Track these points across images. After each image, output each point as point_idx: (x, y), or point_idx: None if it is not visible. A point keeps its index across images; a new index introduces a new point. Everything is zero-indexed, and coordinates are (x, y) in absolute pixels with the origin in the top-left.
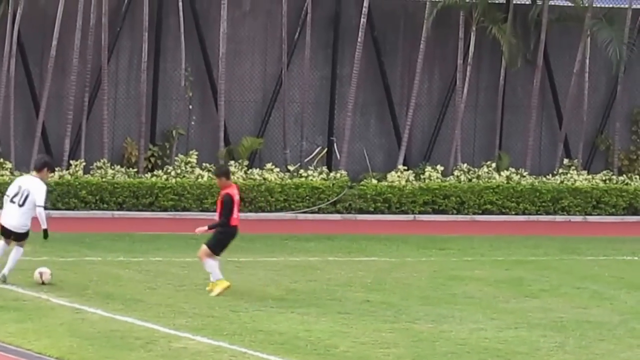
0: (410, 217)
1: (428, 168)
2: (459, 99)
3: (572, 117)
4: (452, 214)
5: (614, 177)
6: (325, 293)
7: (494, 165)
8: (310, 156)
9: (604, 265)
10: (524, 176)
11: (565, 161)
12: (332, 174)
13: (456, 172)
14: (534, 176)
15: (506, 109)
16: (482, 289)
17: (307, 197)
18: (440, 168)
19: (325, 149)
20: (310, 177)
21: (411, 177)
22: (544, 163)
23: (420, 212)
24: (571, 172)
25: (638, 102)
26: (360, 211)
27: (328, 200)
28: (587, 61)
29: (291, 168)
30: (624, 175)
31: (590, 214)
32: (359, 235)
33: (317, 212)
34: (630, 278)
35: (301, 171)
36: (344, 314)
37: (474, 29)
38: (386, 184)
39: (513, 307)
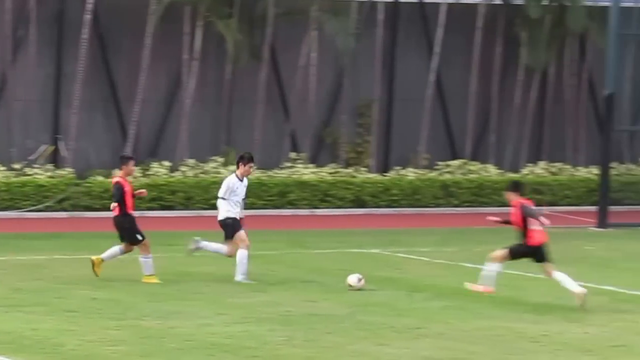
0: (136, 213)
1: (155, 164)
2: (186, 94)
3: (299, 110)
4: (180, 209)
5: (341, 169)
6: (52, 291)
7: (221, 160)
8: (36, 154)
9: (332, 258)
10: None
11: (292, 155)
12: (58, 172)
13: (183, 168)
14: (261, 170)
15: (233, 103)
16: (210, 284)
17: (33, 196)
18: (167, 164)
19: (51, 147)
20: (36, 175)
21: (137, 173)
22: (271, 157)
23: (147, 209)
24: (298, 165)
25: (363, 95)
26: (87, 208)
27: (54, 198)
28: (314, 54)
29: (17, 166)
30: (351, 168)
31: (318, 207)
32: (85, 233)
33: (44, 211)
34: (358, 270)
35: (27, 169)
36: (71, 312)
37: (200, 24)
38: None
39: (241, 302)
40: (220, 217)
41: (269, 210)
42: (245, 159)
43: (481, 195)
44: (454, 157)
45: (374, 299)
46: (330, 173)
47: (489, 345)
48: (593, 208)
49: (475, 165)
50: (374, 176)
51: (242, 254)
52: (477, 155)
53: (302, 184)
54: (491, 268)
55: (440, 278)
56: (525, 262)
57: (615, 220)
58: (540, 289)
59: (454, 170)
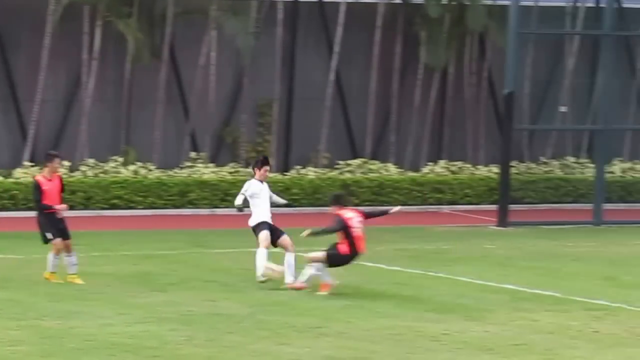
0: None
1: None
2: (85, 94)
3: (199, 110)
4: (80, 209)
5: (241, 169)
6: None
7: (121, 159)
8: None
9: (232, 257)
10: (151, 170)
11: (193, 154)
12: None
13: (83, 167)
14: (161, 170)
15: (133, 103)
16: (111, 284)
17: None
18: (67, 163)
19: None
20: None
21: (36, 173)
22: (171, 156)
23: None
24: (198, 165)
25: (263, 94)
26: None
27: None
28: (214, 53)
29: None
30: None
31: (218, 207)
32: None
33: None
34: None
35: None
36: None
37: (99, 23)
38: (12, 180)
39: (142, 302)
40: (252, 223)
41: (169, 209)
42: (259, 162)
43: (381, 194)
44: (355, 156)
45: (275, 298)
46: (231, 172)
47: (389, 344)
48: (493, 207)
49: (375, 165)
50: (275, 175)
51: (260, 252)
52: (378, 155)
53: (203, 184)
54: (310, 270)
55: (341, 277)
56: (427, 260)
57: (515, 219)
58: (441, 288)
59: (354, 169)
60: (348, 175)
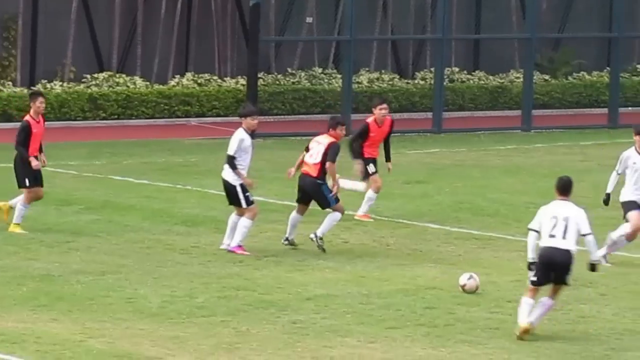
0: None
1: None
2: None
3: None
4: None
5: None
6: None
7: None
8: None
9: None
10: None
11: None
12: None
13: None
14: None
15: None
16: None
17: None
18: None
19: None
20: None
21: None
22: None
23: None
24: None
25: (7, 8)
26: None
27: None
28: None
29: None
30: None
31: None
32: None
33: None
34: (3, 186)
35: None
36: None
37: None
38: None
39: None
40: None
41: None
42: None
43: (129, 107)
44: (101, 70)
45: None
46: None
47: (139, 257)
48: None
49: (122, 78)
50: (20, 90)
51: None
52: (125, 68)
53: None
54: None
55: (89, 192)
56: (176, 173)
57: (263, 131)
58: (190, 201)
59: (101, 82)
60: (95, 89)
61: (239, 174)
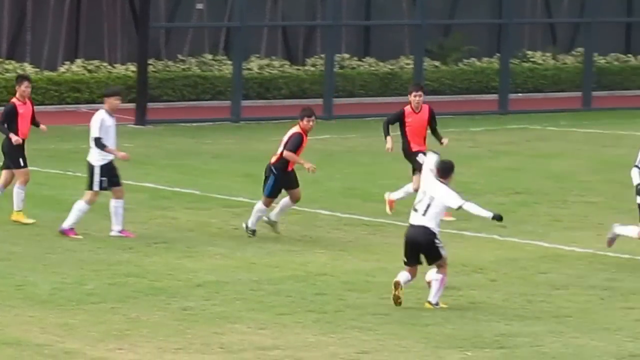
0: None
1: None
2: None
3: None
4: None
5: None
6: None
7: None
8: None
9: None
10: None
11: None
12: None
13: None
14: None
15: None
16: None
17: None
18: None
19: None
20: None
21: None
22: None
23: None
24: None
25: None
26: None
27: None
28: None
29: None
30: None
31: None
32: None
33: None
34: None
35: None
36: None
37: None
38: None
39: None
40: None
41: None
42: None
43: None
44: None
45: None
46: None
47: (29, 244)
48: (131, 105)
49: (11, 64)
50: None
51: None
52: (14, 54)
53: None
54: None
55: None
56: (66, 160)
57: (153, 117)
58: (81, 187)
59: None
60: None
61: (110, 151)
